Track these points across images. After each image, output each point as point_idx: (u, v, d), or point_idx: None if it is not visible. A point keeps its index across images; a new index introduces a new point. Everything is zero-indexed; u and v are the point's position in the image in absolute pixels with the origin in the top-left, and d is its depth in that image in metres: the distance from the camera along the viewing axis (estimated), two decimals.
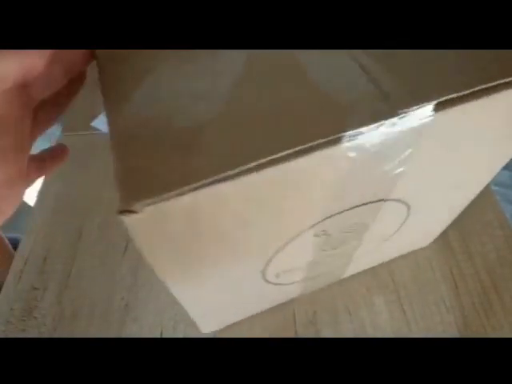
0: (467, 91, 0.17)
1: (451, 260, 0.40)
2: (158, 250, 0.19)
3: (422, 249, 0.40)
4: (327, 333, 0.36)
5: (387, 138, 0.18)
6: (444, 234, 0.42)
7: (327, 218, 0.22)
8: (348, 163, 0.18)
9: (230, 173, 0.16)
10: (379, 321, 0.36)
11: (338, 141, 0.17)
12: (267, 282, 0.28)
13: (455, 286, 0.38)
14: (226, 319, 0.36)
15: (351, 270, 0.35)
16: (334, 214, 0.22)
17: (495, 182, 0.61)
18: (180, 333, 0.36)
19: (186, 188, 0.15)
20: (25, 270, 0.40)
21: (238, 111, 0.17)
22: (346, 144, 0.17)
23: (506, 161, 0.27)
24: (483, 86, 0.18)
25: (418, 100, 0.17)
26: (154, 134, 0.17)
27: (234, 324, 0.36)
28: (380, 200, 0.23)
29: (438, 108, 0.18)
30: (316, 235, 0.24)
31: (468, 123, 0.20)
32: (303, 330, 0.36)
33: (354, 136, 0.17)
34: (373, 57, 0.19)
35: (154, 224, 0.16)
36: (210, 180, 0.15)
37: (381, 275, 0.33)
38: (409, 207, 0.26)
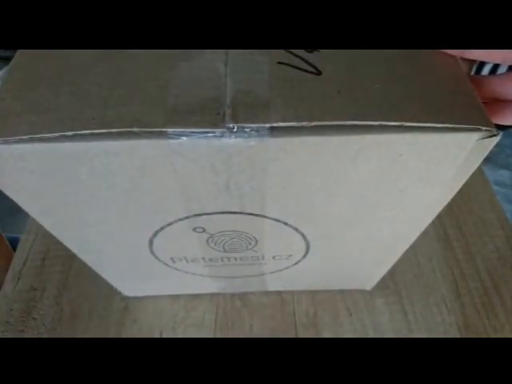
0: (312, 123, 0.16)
1: (452, 260, 0.40)
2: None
3: (422, 249, 0.40)
4: (327, 334, 0.36)
5: (212, 147, 0.17)
6: (445, 235, 0.42)
7: (196, 215, 0.22)
8: (179, 163, 0.18)
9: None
10: (380, 322, 0.36)
11: (160, 134, 0.16)
12: (163, 262, 0.29)
13: (456, 286, 0.38)
14: (145, 287, 0.36)
15: (274, 284, 0.36)
16: (202, 214, 0.22)
17: (495, 181, 0.61)
18: (180, 334, 0.36)
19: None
20: (24, 271, 0.40)
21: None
22: (170, 141, 0.16)
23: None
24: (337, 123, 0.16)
25: (256, 119, 0.16)
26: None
27: (234, 324, 0.36)
28: (251, 214, 0.22)
29: (275, 133, 0.16)
30: (195, 230, 0.24)
31: (308, 157, 0.18)
32: (303, 331, 0.36)
33: (177, 136, 0.16)
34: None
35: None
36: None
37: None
38: (304, 236, 0.25)
